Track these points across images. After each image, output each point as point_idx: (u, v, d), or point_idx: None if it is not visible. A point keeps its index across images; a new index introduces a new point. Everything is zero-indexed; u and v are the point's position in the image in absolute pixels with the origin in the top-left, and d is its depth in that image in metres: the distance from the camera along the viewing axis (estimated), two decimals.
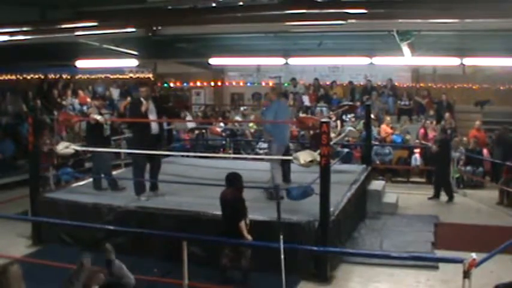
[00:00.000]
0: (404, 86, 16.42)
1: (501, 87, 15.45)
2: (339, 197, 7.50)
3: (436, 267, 6.62)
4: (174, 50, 14.25)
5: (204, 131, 14.42)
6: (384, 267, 6.67)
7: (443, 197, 10.61)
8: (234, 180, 6.05)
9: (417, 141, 13.36)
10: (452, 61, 13.54)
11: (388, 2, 7.02)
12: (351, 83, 16.74)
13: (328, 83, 17.04)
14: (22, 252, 7.32)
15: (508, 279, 4.81)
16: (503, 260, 6.11)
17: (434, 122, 13.90)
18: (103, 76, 16.65)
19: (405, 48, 10.82)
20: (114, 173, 9.20)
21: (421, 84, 16.34)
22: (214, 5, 7.25)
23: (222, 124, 14.72)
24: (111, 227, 7.05)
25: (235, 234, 5.78)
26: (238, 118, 15.60)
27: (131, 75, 17.65)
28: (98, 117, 8.26)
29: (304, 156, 6.74)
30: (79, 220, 7.12)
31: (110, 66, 15.38)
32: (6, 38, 8.64)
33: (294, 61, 15.33)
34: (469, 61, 13.56)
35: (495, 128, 13.01)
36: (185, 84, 18.90)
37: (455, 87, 15.87)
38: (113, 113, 12.50)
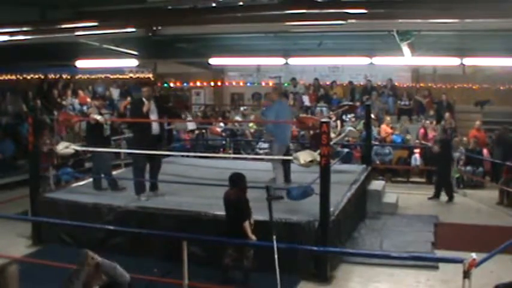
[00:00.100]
0: (404, 86, 16.42)
1: (501, 87, 15.45)
2: (339, 197, 7.50)
3: (436, 267, 6.62)
4: (174, 50, 14.24)
5: (204, 131, 14.43)
6: (383, 267, 6.68)
7: (443, 197, 10.61)
8: (237, 181, 6.02)
9: (417, 141, 13.36)
10: (452, 61, 13.54)
11: (388, 2, 7.02)
12: (350, 83, 16.74)
13: (328, 83, 17.04)
14: (22, 252, 7.32)
15: (508, 279, 4.80)
16: (503, 260, 6.12)
17: (434, 122, 13.90)
18: (103, 76, 16.65)
19: (405, 48, 10.82)
20: (114, 173, 9.21)
21: (421, 84, 16.34)
22: (214, 5, 7.25)
23: (222, 124, 14.72)
24: (111, 227, 7.06)
25: (240, 235, 5.77)
26: (238, 118, 15.60)
27: (131, 75, 17.65)
28: (98, 117, 8.26)
29: (304, 156, 6.75)
30: (79, 220, 7.12)
31: (110, 66, 15.37)
32: (6, 38, 8.64)
33: (294, 61, 15.33)
34: (469, 61, 13.55)
35: (495, 128, 13.02)
36: (185, 84, 18.90)
37: (455, 87, 15.87)
38: (113, 113, 12.50)
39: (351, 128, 13.60)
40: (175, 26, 9.07)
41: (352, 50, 13.75)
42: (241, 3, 7.20)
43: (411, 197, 10.82)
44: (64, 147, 8.30)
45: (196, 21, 8.11)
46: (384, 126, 13.77)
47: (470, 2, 6.69)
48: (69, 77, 15.69)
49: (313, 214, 6.53)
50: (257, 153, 13.02)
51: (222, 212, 6.70)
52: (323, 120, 6.65)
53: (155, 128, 7.84)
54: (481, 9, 6.64)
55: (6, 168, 11.65)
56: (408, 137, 13.70)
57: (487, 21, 7.52)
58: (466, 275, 4.56)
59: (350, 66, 16.44)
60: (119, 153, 11.55)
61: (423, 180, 12.56)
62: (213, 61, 15.61)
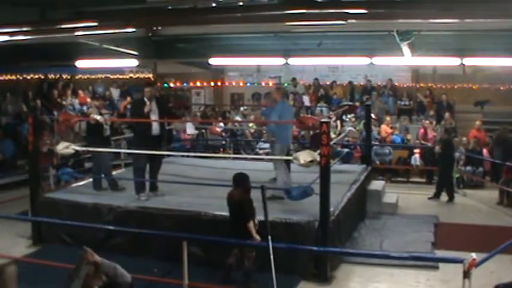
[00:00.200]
0: (404, 86, 16.41)
1: (501, 87, 15.44)
2: (339, 197, 7.50)
3: (436, 267, 6.62)
4: (174, 50, 14.26)
5: (204, 131, 14.43)
6: (384, 267, 6.67)
7: (444, 197, 10.61)
8: (241, 181, 6.01)
9: (417, 141, 13.36)
10: (452, 61, 13.56)
11: (388, 2, 7.02)
12: (350, 83, 16.74)
13: (328, 83, 17.04)
14: (22, 252, 7.32)
15: (508, 279, 4.81)
16: (503, 260, 6.12)
17: (434, 122, 13.90)
18: (103, 76, 16.66)
19: (405, 48, 10.83)
20: (114, 173, 9.21)
21: (421, 84, 16.33)
22: (214, 5, 7.25)
23: (222, 124, 14.72)
24: (111, 227, 7.06)
25: (244, 235, 5.75)
26: (238, 118, 15.60)
27: (131, 75, 17.66)
28: (98, 117, 8.27)
29: (304, 156, 6.75)
30: (79, 220, 7.12)
31: (110, 66, 15.38)
32: (6, 38, 8.64)
33: (294, 61, 15.34)
34: (469, 61, 13.57)
35: (495, 128, 13.00)
36: (185, 84, 18.90)
37: (455, 87, 15.86)
38: (113, 113, 12.50)
39: (351, 128, 13.63)
40: (175, 26, 9.08)
41: (352, 50, 13.76)
42: (241, 3, 7.20)
43: (411, 197, 10.82)
44: (64, 147, 8.31)
45: (196, 21, 8.12)
46: (384, 126, 13.77)
47: (470, 2, 6.69)
48: (69, 77, 15.70)
49: (313, 214, 6.53)
50: (257, 154, 13.02)
51: (222, 212, 6.73)
52: (323, 120, 6.65)
53: (155, 128, 7.84)
54: (481, 9, 6.64)
55: (6, 168, 11.65)
56: (409, 137, 13.70)
57: (487, 21, 7.53)
58: (466, 275, 4.56)
59: (350, 66, 16.44)
60: (118, 153, 11.55)
61: (423, 180, 12.56)
62: (213, 61, 15.62)
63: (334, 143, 11.11)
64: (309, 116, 11.86)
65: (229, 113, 16.63)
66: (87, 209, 7.52)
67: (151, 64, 17.58)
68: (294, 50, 14.59)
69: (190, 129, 13.46)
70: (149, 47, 13.31)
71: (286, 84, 17.01)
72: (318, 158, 6.47)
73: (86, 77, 16.08)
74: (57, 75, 15.44)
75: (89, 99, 13.76)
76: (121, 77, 17.28)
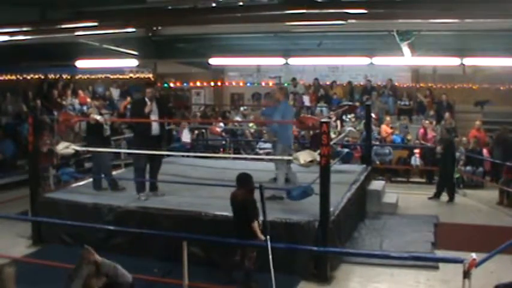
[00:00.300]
0: (404, 86, 16.41)
1: (501, 87, 15.44)
2: (339, 197, 7.50)
3: (436, 267, 6.62)
4: (174, 50, 14.26)
5: (204, 131, 14.43)
6: (384, 267, 6.67)
7: (444, 197, 10.61)
8: (245, 181, 5.98)
9: (417, 141, 13.36)
10: (452, 61, 13.56)
11: (388, 2, 7.02)
12: (350, 83, 16.74)
13: (328, 83, 17.04)
14: (22, 252, 7.32)
15: (508, 279, 4.81)
16: (503, 260, 6.12)
17: (434, 122, 13.90)
18: (103, 76, 16.66)
19: (405, 48, 10.83)
20: (114, 173, 9.20)
21: (421, 84, 16.34)
22: (214, 5, 7.24)
23: (222, 124, 14.72)
24: (111, 227, 7.06)
25: (248, 235, 5.74)
26: (238, 118, 15.60)
27: (131, 75, 17.66)
28: (98, 117, 8.27)
29: (304, 156, 6.75)
30: (79, 220, 7.12)
31: (110, 66, 15.37)
32: (6, 38, 8.64)
33: (294, 61, 15.35)
34: (469, 61, 13.57)
35: (495, 128, 13.00)
36: (185, 84, 18.90)
37: (455, 87, 15.86)
38: (113, 113, 12.51)
39: (351, 128, 13.62)
40: (175, 26, 9.07)
41: (352, 50, 13.76)
42: (241, 3, 7.20)
43: (411, 197, 10.82)
44: (64, 147, 8.31)
45: (196, 21, 8.11)
46: (384, 126, 13.77)
47: (470, 2, 6.69)
48: (69, 77, 15.69)
49: (313, 214, 6.52)
50: (257, 154, 13.02)
51: (222, 212, 6.74)
52: (323, 120, 6.65)
53: (155, 128, 7.84)
54: (481, 9, 6.64)
55: (6, 168, 11.65)
56: (409, 137, 13.70)
57: (487, 21, 7.53)
58: (466, 275, 4.57)
59: (350, 66, 16.44)
60: (119, 153, 11.55)
61: (423, 180, 12.56)
62: (213, 61, 15.62)
63: (334, 143, 11.11)
64: (309, 116, 11.87)
65: (229, 113, 16.63)
66: (87, 209, 7.52)
67: (151, 64, 17.58)
68: (294, 50, 14.60)
69: (185, 137, 13.21)
70: (149, 47, 13.31)
71: (286, 84, 17.01)
72: (318, 158, 6.47)
73: (86, 77, 16.08)
74: (57, 75, 15.44)
75: (89, 99, 13.75)
76: (121, 77, 17.27)
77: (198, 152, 12.37)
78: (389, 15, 7.34)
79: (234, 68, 17.99)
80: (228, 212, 6.57)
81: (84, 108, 13.25)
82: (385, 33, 9.97)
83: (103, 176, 8.55)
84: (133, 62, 14.64)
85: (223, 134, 14.33)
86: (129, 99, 14.66)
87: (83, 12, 8.43)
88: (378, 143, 12.93)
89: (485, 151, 12.46)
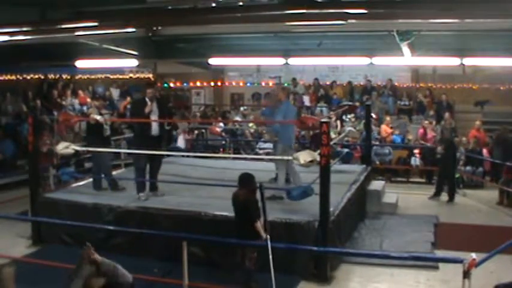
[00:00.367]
0: (404, 86, 16.42)
1: (501, 87, 15.44)
2: (339, 197, 7.50)
3: (436, 267, 6.62)
4: (174, 50, 14.26)
5: (204, 131, 14.43)
6: (384, 267, 6.67)
7: (444, 197, 10.60)
8: (247, 181, 5.95)
9: (416, 141, 13.36)
10: (452, 61, 13.56)
11: (388, 2, 7.02)
12: (349, 83, 16.75)
13: (328, 83, 17.05)
14: (22, 253, 7.32)
15: (508, 279, 4.81)
16: (503, 260, 6.12)
17: (434, 122, 13.91)
18: (103, 76, 16.67)
19: (405, 48, 10.83)
20: (114, 173, 9.21)
21: (421, 84, 16.34)
22: (214, 5, 7.24)
23: (221, 124, 14.73)
24: (111, 227, 7.06)
25: (250, 235, 5.73)
26: (238, 118, 15.60)
27: (131, 75, 17.66)
28: (98, 118, 8.27)
29: (304, 156, 6.75)
30: (79, 220, 7.12)
31: (110, 66, 15.38)
32: (6, 38, 8.64)
33: (294, 61, 15.35)
34: (469, 61, 13.57)
35: (495, 128, 13.00)
36: (185, 84, 18.90)
37: (455, 87, 15.86)
38: (112, 113, 12.51)
39: (351, 128, 13.62)
40: (175, 26, 9.07)
41: (352, 50, 13.76)
42: (241, 3, 7.20)
43: (411, 197, 10.82)
44: (64, 147, 8.31)
45: (196, 21, 8.11)
46: (384, 126, 13.78)
47: (470, 2, 6.69)
48: (69, 77, 15.70)
49: (313, 214, 6.52)
50: (257, 154, 13.02)
51: (222, 212, 6.74)
52: (323, 120, 6.64)
53: (155, 129, 7.85)
54: (481, 9, 6.64)
55: (6, 168, 11.65)
56: (410, 137, 13.70)
57: (487, 21, 7.53)
58: (466, 275, 4.56)
59: (350, 66, 16.45)
60: (118, 153, 11.54)
61: (423, 180, 12.56)
62: (213, 61, 15.62)
63: (334, 143, 11.11)
64: (309, 116, 11.87)
65: (229, 113, 16.64)
66: (87, 209, 7.52)
67: (151, 64, 17.59)
68: (294, 50, 14.59)
69: (180, 142, 13.04)
70: (149, 47, 13.31)
71: (286, 84, 17.01)
72: (318, 158, 6.47)
73: (85, 77, 16.09)
74: (57, 75, 15.45)
75: (89, 99, 13.75)
76: (121, 77, 17.28)
77: (198, 152, 12.37)
78: (389, 15, 7.34)
79: (234, 68, 18.00)
80: (227, 212, 6.57)
81: (84, 108, 13.26)
82: (385, 33, 9.97)
83: (103, 176, 8.55)
84: (133, 62, 14.64)
85: (223, 134, 14.34)
86: (129, 99, 14.67)
87: (83, 12, 8.43)
88: (377, 143, 12.93)
89: (485, 151, 12.47)
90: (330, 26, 8.12)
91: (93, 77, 16.26)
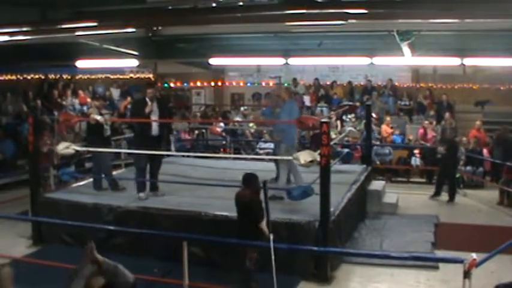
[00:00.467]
0: (405, 86, 16.41)
1: (501, 87, 15.43)
2: (339, 197, 7.50)
3: (436, 267, 6.62)
4: (174, 50, 14.26)
5: (204, 131, 14.43)
6: (384, 267, 6.67)
7: (444, 196, 10.60)
8: (251, 181, 5.93)
9: (417, 141, 13.36)
10: (452, 61, 13.57)
11: (388, 2, 7.02)
12: (349, 83, 16.75)
13: (328, 83, 17.04)
14: (22, 253, 7.32)
15: (508, 279, 4.80)
16: (503, 260, 6.12)
17: (434, 122, 13.90)
18: (103, 76, 16.67)
19: (405, 48, 10.83)
20: (114, 173, 9.20)
21: (421, 84, 16.33)
22: (214, 5, 7.24)
23: (222, 124, 14.73)
24: (111, 227, 7.05)
25: (254, 236, 5.72)
26: (238, 118, 15.60)
27: (131, 75, 17.66)
28: (98, 118, 8.27)
29: (304, 156, 6.74)
30: (79, 220, 7.12)
31: (110, 66, 15.39)
32: (6, 38, 8.64)
33: (294, 61, 15.36)
34: (469, 61, 13.58)
35: (495, 128, 13.00)
36: (185, 84, 18.90)
37: (456, 87, 15.85)
38: (113, 113, 12.50)
39: (351, 128, 13.62)
40: (175, 26, 9.08)
41: (352, 50, 13.76)
42: (241, 3, 7.20)
43: (411, 197, 10.81)
44: (64, 147, 8.31)
45: (196, 21, 8.12)
46: (384, 126, 13.78)
47: (470, 2, 6.69)
48: (69, 77, 15.71)
49: (313, 214, 6.52)
50: (257, 154, 13.02)
51: (222, 212, 6.74)
52: (323, 120, 6.64)
53: (154, 129, 7.85)
54: (481, 9, 6.64)
55: (6, 168, 11.66)
56: (410, 137, 13.70)
57: (487, 21, 7.53)
58: (466, 275, 4.56)
59: (350, 66, 16.44)
60: (119, 153, 11.54)
61: (423, 180, 12.56)
62: (213, 61, 15.63)
63: (334, 143, 11.11)
64: (310, 116, 11.86)
65: (229, 113, 16.64)
66: (87, 209, 7.53)
67: (151, 64, 17.59)
68: (294, 50, 14.60)
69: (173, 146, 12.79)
70: (149, 47, 13.32)
71: (286, 85, 17.00)
72: (318, 158, 6.47)
73: (86, 77, 16.09)
74: (58, 75, 15.46)
75: (89, 100, 13.76)
76: (121, 77, 17.28)
77: (198, 152, 12.36)
78: (389, 15, 7.34)
79: (234, 68, 17.99)
80: (228, 212, 6.58)
81: (84, 108, 13.26)
82: (385, 33, 9.97)
83: (103, 176, 8.55)
84: (133, 62, 14.65)
85: (224, 134, 14.34)
86: (129, 99, 14.67)
87: (83, 12, 8.44)
88: (378, 143, 12.93)
89: (485, 151, 12.46)
90: (330, 26, 8.13)
91: (93, 77, 16.27)
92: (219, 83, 18.74)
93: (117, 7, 8.23)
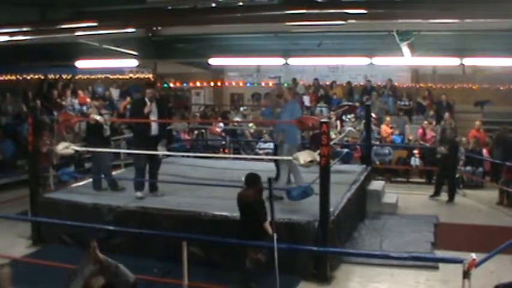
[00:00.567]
0: (404, 86, 16.42)
1: (501, 87, 15.44)
2: (339, 197, 7.50)
3: (436, 268, 6.62)
4: (174, 50, 14.26)
5: (203, 131, 14.43)
6: (384, 268, 6.67)
7: (444, 196, 10.60)
8: (254, 182, 5.92)
9: (416, 141, 13.36)
10: (452, 61, 13.57)
11: (388, 2, 7.02)
12: (349, 83, 16.75)
13: (328, 83, 17.05)
14: (22, 253, 7.32)
15: (508, 279, 4.80)
16: (503, 260, 6.12)
17: (434, 123, 13.91)
18: (103, 76, 16.66)
19: (405, 49, 10.83)
20: (114, 173, 9.20)
21: (421, 85, 16.34)
22: (214, 5, 7.25)
23: (221, 124, 14.73)
24: (111, 227, 7.05)
25: (256, 236, 5.70)
26: (238, 118, 15.60)
27: (131, 75, 17.65)
28: (98, 118, 8.27)
29: (304, 156, 6.74)
30: (79, 220, 7.12)
31: (110, 66, 15.38)
32: (6, 38, 8.64)
33: (293, 61, 15.36)
34: (469, 61, 13.58)
35: (495, 128, 13.00)
36: (185, 84, 18.90)
37: (455, 87, 15.86)
38: (112, 113, 12.51)
39: (351, 129, 13.62)
40: (175, 26, 9.08)
41: (352, 50, 13.77)
42: (241, 3, 7.20)
43: (411, 197, 10.82)
44: (64, 148, 8.31)
45: (196, 21, 8.12)
46: (383, 126, 13.78)
47: (470, 2, 6.69)
48: (69, 77, 15.70)
49: (313, 214, 6.52)
50: (257, 154, 13.02)
51: (222, 212, 6.74)
52: (323, 120, 6.64)
53: (154, 129, 7.85)
54: (481, 9, 6.64)
55: (6, 168, 11.65)
56: (410, 137, 13.70)
57: (487, 21, 7.53)
58: (466, 275, 4.56)
59: (350, 66, 16.45)
60: (118, 153, 11.54)
61: (423, 180, 12.56)
62: (213, 61, 15.62)
63: (334, 143, 11.11)
64: (309, 116, 11.86)
65: (229, 113, 16.63)
66: (87, 209, 7.52)
67: (151, 64, 17.59)
68: (294, 50, 14.60)
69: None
70: (149, 47, 13.31)
71: (286, 85, 17.00)
72: (318, 158, 6.47)
73: (85, 77, 16.08)
74: (57, 76, 15.44)
75: (88, 100, 13.75)
76: (121, 77, 17.27)
77: (198, 152, 12.37)
78: (389, 15, 7.34)
79: (234, 68, 17.99)
80: (227, 212, 6.59)
81: (84, 108, 13.25)
82: (385, 33, 9.97)
83: (103, 176, 8.55)
84: (133, 62, 14.64)
85: (223, 134, 14.34)
86: (129, 99, 14.67)
87: (83, 12, 8.43)
88: (377, 143, 12.93)
89: (485, 151, 12.47)
90: (330, 26, 8.13)
91: (93, 77, 16.25)
92: (219, 83, 18.73)
93: (117, 7, 8.23)
